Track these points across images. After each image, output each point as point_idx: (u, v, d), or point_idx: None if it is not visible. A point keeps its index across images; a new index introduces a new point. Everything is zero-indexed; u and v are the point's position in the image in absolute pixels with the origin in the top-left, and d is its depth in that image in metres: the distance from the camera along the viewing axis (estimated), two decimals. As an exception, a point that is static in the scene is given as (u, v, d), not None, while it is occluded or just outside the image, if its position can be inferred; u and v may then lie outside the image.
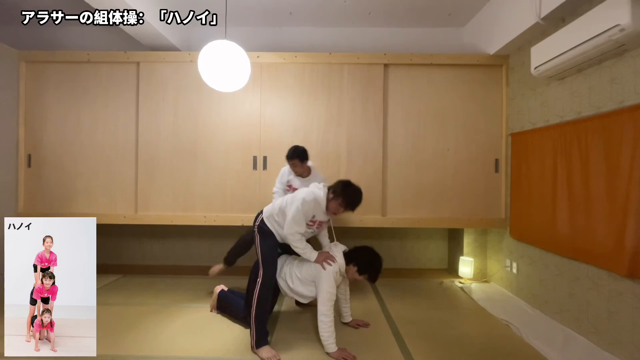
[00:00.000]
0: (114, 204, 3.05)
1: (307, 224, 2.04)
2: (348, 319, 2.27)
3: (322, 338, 1.90)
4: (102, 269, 3.49)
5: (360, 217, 2.96)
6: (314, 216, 2.05)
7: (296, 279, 2.10)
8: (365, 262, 2.05)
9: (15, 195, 3.03)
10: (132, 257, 3.72)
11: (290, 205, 2.02)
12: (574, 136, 2.20)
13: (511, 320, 2.36)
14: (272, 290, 2.09)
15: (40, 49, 3.43)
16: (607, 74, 2.02)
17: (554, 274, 2.40)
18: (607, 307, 1.99)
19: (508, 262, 2.94)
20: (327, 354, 1.89)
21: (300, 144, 2.51)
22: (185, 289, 2.96)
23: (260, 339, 1.93)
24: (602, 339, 2.01)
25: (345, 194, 2.00)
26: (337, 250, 2.09)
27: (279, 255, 2.25)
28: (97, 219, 2.96)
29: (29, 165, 3.07)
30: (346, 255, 2.07)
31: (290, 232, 2.00)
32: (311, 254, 2.04)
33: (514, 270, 2.86)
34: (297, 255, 2.18)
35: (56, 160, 3.06)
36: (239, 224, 3.00)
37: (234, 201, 3.02)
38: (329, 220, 2.16)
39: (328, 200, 2.03)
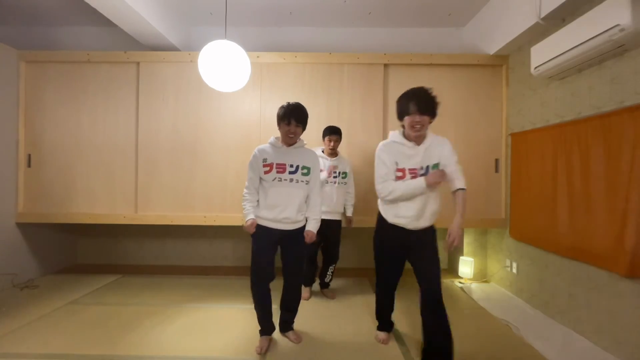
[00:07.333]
0: (114, 204, 3.04)
1: (397, 176, 1.76)
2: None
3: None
4: (102, 269, 3.50)
5: (360, 217, 2.96)
6: (396, 163, 1.76)
7: None
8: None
9: (15, 195, 3.02)
10: (132, 257, 3.72)
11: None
12: (574, 136, 2.20)
13: (511, 320, 2.36)
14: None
15: (40, 49, 3.43)
16: (607, 74, 2.02)
17: (554, 274, 2.40)
18: (607, 307, 1.99)
19: (508, 262, 2.94)
20: None
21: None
22: (185, 289, 2.96)
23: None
24: (602, 339, 2.01)
25: (398, 104, 1.75)
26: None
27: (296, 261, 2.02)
28: (96, 219, 3.02)
29: (29, 165, 3.06)
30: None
31: (377, 187, 1.79)
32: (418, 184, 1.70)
33: (514, 270, 2.86)
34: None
35: (56, 160, 3.06)
36: (239, 224, 2.99)
37: (234, 201, 3.02)
38: (427, 168, 1.74)
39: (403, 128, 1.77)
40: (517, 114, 2.87)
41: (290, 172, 1.87)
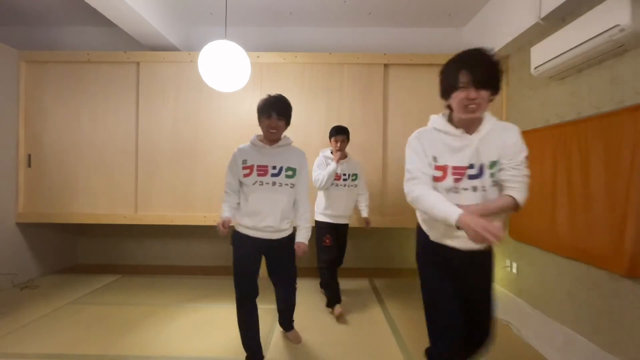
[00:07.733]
0: (114, 204, 3.04)
1: (435, 177, 1.25)
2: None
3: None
4: (102, 269, 3.50)
5: (359, 217, 2.96)
6: (435, 158, 1.25)
7: None
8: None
9: (15, 195, 3.02)
10: (132, 257, 3.72)
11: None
12: (574, 136, 2.20)
13: (511, 320, 2.36)
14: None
15: (40, 49, 3.43)
16: (607, 74, 2.02)
17: (554, 274, 2.40)
18: (607, 307, 1.98)
19: (508, 262, 2.94)
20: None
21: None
22: (185, 289, 2.96)
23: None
24: (602, 339, 2.01)
25: (442, 75, 1.26)
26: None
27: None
28: (97, 219, 3.02)
29: (29, 165, 3.06)
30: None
31: (406, 190, 1.28)
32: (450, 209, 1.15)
33: (514, 271, 2.85)
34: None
35: (56, 160, 3.06)
36: (239, 224, 2.99)
37: (234, 201, 3.02)
38: (469, 169, 1.24)
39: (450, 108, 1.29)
40: (517, 114, 2.86)
41: (273, 175, 1.66)
